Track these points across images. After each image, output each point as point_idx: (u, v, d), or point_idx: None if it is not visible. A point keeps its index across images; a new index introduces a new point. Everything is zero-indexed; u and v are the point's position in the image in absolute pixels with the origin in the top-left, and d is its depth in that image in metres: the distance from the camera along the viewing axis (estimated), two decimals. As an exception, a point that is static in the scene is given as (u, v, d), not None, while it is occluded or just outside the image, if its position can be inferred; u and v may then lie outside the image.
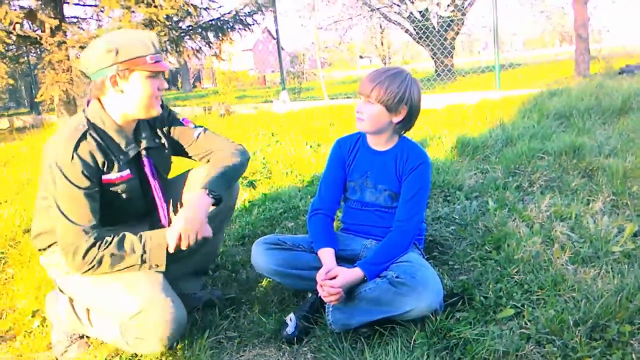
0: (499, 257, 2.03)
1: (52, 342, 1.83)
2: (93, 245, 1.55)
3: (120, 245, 1.59)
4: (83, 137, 1.60)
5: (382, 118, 1.78)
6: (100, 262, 1.57)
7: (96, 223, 1.60)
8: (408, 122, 1.84)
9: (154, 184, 1.82)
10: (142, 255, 1.59)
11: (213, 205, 1.73)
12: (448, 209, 2.62)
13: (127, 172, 1.71)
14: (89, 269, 1.58)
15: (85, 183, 1.57)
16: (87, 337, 1.83)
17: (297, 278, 1.85)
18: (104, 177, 1.65)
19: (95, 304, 1.70)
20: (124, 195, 1.72)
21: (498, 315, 1.68)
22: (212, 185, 1.72)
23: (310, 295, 1.91)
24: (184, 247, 1.62)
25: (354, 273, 1.69)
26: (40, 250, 1.77)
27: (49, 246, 1.74)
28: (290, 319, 1.78)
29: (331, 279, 1.68)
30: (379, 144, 1.90)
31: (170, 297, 1.60)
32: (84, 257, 1.55)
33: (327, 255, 1.80)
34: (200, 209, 1.66)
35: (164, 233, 1.64)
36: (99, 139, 1.64)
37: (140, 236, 1.62)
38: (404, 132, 1.91)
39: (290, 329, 1.75)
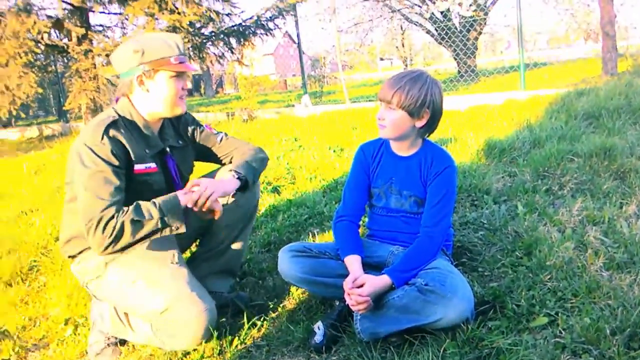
0: (530, 264, 1.99)
1: (89, 342, 1.87)
2: (112, 217, 1.57)
3: (138, 211, 1.60)
4: (113, 124, 1.67)
5: (405, 123, 1.76)
6: (121, 232, 1.56)
7: (120, 199, 1.62)
8: (431, 125, 1.81)
9: (177, 181, 1.87)
10: (160, 219, 1.60)
11: (239, 189, 1.83)
12: (476, 214, 2.58)
13: (153, 165, 1.77)
14: (111, 243, 1.56)
15: (114, 161, 1.62)
16: (122, 344, 1.86)
17: (324, 286, 1.85)
18: (136, 166, 1.71)
19: (126, 305, 1.74)
20: (152, 187, 1.77)
21: (531, 324, 1.65)
22: (238, 168, 1.84)
23: (337, 303, 1.90)
24: (195, 206, 1.66)
25: (382, 280, 1.68)
26: (70, 257, 1.81)
27: (80, 253, 1.77)
28: (319, 328, 1.77)
29: (359, 287, 1.67)
30: (403, 149, 1.88)
31: (197, 292, 1.63)
32: (104, 229, 1.55)
33: (353, 262, 1.79)
34: (223, 182, 1.77)
35: (177, 194, 1.68)
36: (127, 129, 1.71)
37: (154, 202, 1.64)
38: (428, 136, 1.88)
39: (318, 338, 1.74)
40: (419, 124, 1.77)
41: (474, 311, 1.67)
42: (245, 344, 1.80)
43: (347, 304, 1.68)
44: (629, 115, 4.09)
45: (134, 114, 1.75)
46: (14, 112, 7.89)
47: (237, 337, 1.82)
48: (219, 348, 1.76)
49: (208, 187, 1.70)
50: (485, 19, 12.14)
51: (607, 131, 3.72)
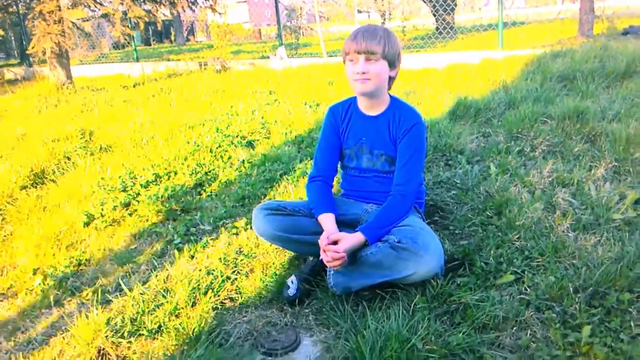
0: (500, 223, 2.03)
1: None
2: None
3: None
4: None
5: (385, 74, 1.77)
6: None
7: None
8: (396, 74, 1.84)
9: None
10: None
11: None
12: (449, 173, 2.60)
13: None
14: None
15: None
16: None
17: (298, 243, 1.86)
18: None
19: None
20: None
21: (498, 281, 1.70)
22: None
23: (311, 258, 1.92)
24: None
25: (356, 238, 1.69)
26: None
27: None
28: (292, 281, 1.79)
29: (334, 243, 1.68)
30: (373, 106, 1.86)
31: None
32: None
33: (327, 220, 1.79)
34: None
35: None
36: None
37: None
38: (389, 89, 1.88)
39: (291, 291, 1.77)
40: (393, 73, 1.79)
41: (444, 267, 1.71)
42: (218, 296, 1.81)
43: (321, 259, 1.69)
44: (602, 78, 4.14)
45: None
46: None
47: (210, 290, 1.82)
48: (192, 300, 1.77)
49: None
50: (466, -26, 11.90)
51: (581, 94, 3.77)
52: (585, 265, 1.68)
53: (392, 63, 1.76)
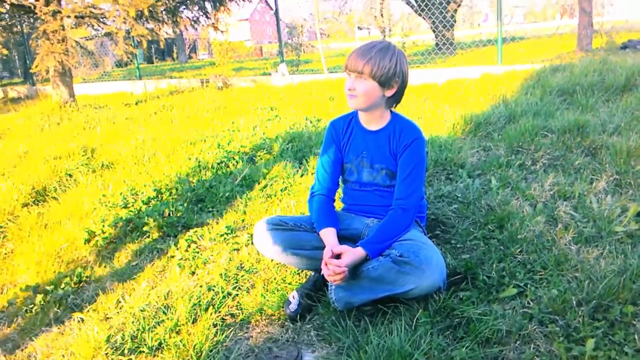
0: (502, 237, 2.03)
1: None
2: None
3: None
4: None
5: (375, 93, 1.76)
6: None
7: None
8: (399, 95, 1.82)
9: None
10: None
11: None
12: (450, 187, 2.60)
13: None
14: None
15: None
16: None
17: (300, 258, 1.85)
18: None
19: None
20: None
21: (501, 295, 1.69)
22: None
23: (312, 273, 1.91)
24: None
25: (357, 252, 1.69)
26: None
27: None
28: (293, 297, 1.78)
29: (337, 257, 1.67)
30: (372, 121, 1.87)
31: None
32: None
33: (329, 235, 1.79)
34: None
35: None
36: None
37: None
38: (395, 107, 1.88)
39: (293, 307, 1.75)
40: (389, 93, 1.77)
41: (446, 282, 1.70)
42: (219, 312, 1.80)
43: (322, 274, 1.69)
44: (602, 92, 4.16)
45: None
46: (-23, 73, 7.53)
47: (211, 306, 1.81)
48: (193, 316, 1.76)
49: None
50: (464, -9, 12.05)
51: (581, 108, 3.78)
52: (588, 278, 1.67)
53: (385, 84, 1.74)
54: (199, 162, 3.46)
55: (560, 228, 2.03)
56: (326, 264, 1.64)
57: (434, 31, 11.62)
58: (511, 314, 1.58)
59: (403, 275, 1.61)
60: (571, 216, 2.15)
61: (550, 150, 2.95)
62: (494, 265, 1.83)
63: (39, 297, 2.03)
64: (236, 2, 8.49)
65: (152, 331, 1.69)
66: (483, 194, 2.48)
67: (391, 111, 1.89)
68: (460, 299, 1.68)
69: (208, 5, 8.35)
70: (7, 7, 7.08)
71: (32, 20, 8.34)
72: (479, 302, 1.66)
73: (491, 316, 1.55)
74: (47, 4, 6.91)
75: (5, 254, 2.51)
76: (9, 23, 8.67)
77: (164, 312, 1.79)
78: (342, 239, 1.82)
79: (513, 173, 2.68)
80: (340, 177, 2.00)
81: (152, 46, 22.22)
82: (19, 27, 9.95)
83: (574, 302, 1.55)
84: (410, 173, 1.80)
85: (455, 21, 12.77)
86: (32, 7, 7.01)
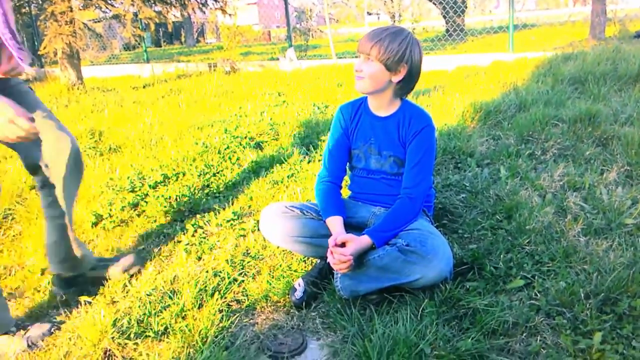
0: (510, 227, 2.01)
1: None
2: None
3: None
4: None
5: (382, 77, 1.73)
6: None
7: None
8: (408, 82, 1.78)
9: None
10: None
11: None
12: (458, 176, 2.58)
13: None
14: None
15: None
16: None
17: (306, 245, 1.85)
18: None
19: None
20: None
21: (508, 286, 1.68)
22: None
23: (318, 261, 1.91)
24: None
25: (363, 240, 1.68)
26: None
27: None
28: (299, 284, 1.78)
29: (341, 246, 1.67)
30: (381, 107, 1.85)
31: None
32: None
33: (335, 223, 1.78)
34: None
35: None
36: None
37: None
38: (405, 95, 1.85)
39: (298, 294, 1.75)
40: (396, 78, 1.74)
41: (453, 272, 1.69)
42: (225, 298, 1.80)
43: (328, 262, 1.68)
44: (614, 81, 4.09)
45: None
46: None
47: (217, 292, 1.82)
48: (199, 302, 1.76)
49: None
50: (476, -24, 11.86)
51: (593, 97, 3.73)
52: (596, 271, 1.65)
53: (391, 67, 1.71)
54: (206, 146, 3.46)
55: (570, 219, 2.01)
56: (332, 252, 1.64)
57: (444, 17, 11.47)
58: (518, 305, 1.57)
59: (409, 264, 1.61)
60: (581, 207, 2.13)
61: (561, 140, 2.92)
62: (502, 256, 1.81)
63: (47, 279, 2.05)
64: (245, -15, 8.40)
65: (158, 316, 1.70)
66: (492, 183, 2.46)
67: (402, 98, 1.86)
68: (466, 289, 1.67)
69: (216, -12, 8.29)
70: (16, -12, 7.06)
71: (40, 2, 8.32)
72: (485, 292, 1.65)
73: (498, 307, 1.54)
74: (55, -15, 6.87)
75: (14, 236, 2.53)
76: (18, 4, 8.65)
77: (170, 297, 1.80)
78: (349, 227, 1.81)
79: (522, 163, 2.65)
80: (348, 163, 1.99)
81: (160, 29, 22.11)
82: (27, 8, 9.93)
83: (582, 295, 1.54)
84: (419, 161, 1.78)
85: (466, 7, 12.60)
86: (41, -12, 6.99)
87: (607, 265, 1.67)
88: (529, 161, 2.69)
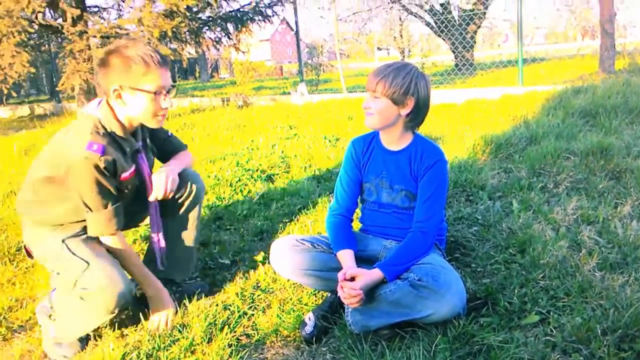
0: (523, 261, 1.98)
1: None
2: None
3: None
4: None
5: (390, 111, 1.75)
6: None
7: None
8: (417, 115, 1.80)
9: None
10: None
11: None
12: (470, 209, 2.57)
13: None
14: None
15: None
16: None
17: (317, 279, 1.84)
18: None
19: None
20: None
21: (523, 322, 1.64)
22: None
23: (329, 294, 1.89)
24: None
25: (374, 274, 1.66)
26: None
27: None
28: (309, 318, 1.76)
29: (350, 280, 1.65)
30: (393, 142, 1.86)
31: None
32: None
33: (346, 257, 1.77)
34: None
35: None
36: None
37: None
38: (416, 128, 1.87)
39: (309, 329, 1.73)
40: (404, 111, 1.76)
41: (466, 307, 1.66)
42: (235, 332, 1.79)
43: (339, 296, 1.67)
44: (625, 114, 4.09)
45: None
46: (6, 91, 7.76)
47: (227, 326, 1.80)
48: (208, 336, 1.74)
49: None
50: (485, 12, 12.10)
51: (604, 130, 3.72)
52: (613, 306, 1.61)
53: (398, 101, 1.73)
54: (218, 179, 3.49)
55: (584, 254, 1.98)
56: (342, 287, 1.63)
57: (453, 52, 11.63)
58: (533, 342, 1.53)
59: (421, 299, 1.58)
60: (595, 241, 2.10)
61: (573, 173, 2.90)
62: (516, 291, 1.78)
63: (57, 312, 2.04)
64: (258, 23, 8.64)
65: (167, 350, 1.69)
66: (504, 216, 2.44)
67: (414, 132, 1.88)
68: (480, 325, 1.64)
69: (230, 27, 8.51)
70: (36, 27, 7.31)
71: (59, 40, 8.60)
72: (499, 328, 1.62)
73: (512, 344, 1.51)
74: (74, 24, 7.12)
75: (26, 268, 2.54)
76: (37, 42, 8.95)
77: (179, 331, 1.79)
78: (360, 260, 1.80)
79: (535, 196, 2.63)
80: (359, 196, 1.99)
81: (175, 65, 22.65)
82: (46, 46, 10.26)
83: (599, 331, 1.50)
84: (431, 196, 1.78)
85: (475, 42, 12.79)
86: (60, 27, 7.24)
87: (624, 300, 1.63)
88: (541, 194, 2.67)
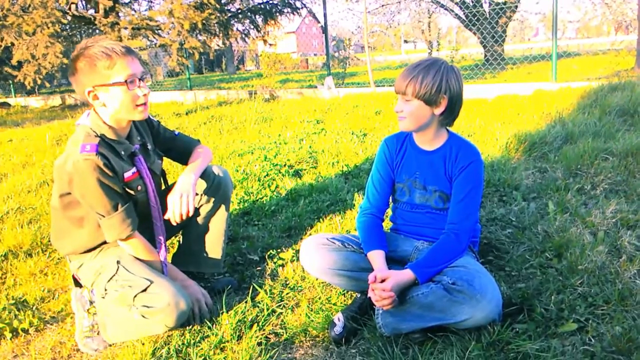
0: (560, 266, 1.92)
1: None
2: None
3: None
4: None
5: (423, 113, 1.70)
6: None
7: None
8: (451, 112, 1.73)
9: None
10: None
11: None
12: (504, 210, 2.50)
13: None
14: None
15: None
16: None
17: (346, 278, 1.81)
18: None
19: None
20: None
21: (560, 329, 1.59)
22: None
23: (358, 295, 1.86)
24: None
25: (405, 275, 1.63)
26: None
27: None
28: (339, 319, 1.74)
29: (382, 282, 1.62)
30: (427, 141, 1.81)
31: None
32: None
33: (377, 258, 1.74)
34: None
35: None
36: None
37: None
38: (450, 125, 1.81)
39: (338, 329, 1.71)
40: (438, 111, 1.70)
41: (502, 313, 1.61)
42: (264, 330, 1.78)
43: (369, 297, 1.64)
44: (666, 113, 3.94)
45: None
46: (39, 81, 7.93)
47: (256, 324, 1.80)
48: (237, 333, 1.74)
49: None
50: (516, 5, 11.81)
51: (644, 130, 3.59)
52: (656, 317, 1.55)
53: (430, 101, 1.68)
54: (247, 174, 3.49)
55: (624, 260, 1.91)
56: (372, 289, 1.60)
57: (483, 45, 11.40)
58: (571, 350, 1.48)
59: (455, 304, 1.54)
60: (636, 247, 2.02)
61: (612, 174, 2.80)
62: (552, 297, 1.73)
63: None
64: (286, 16, 8.62)
65: (197, 346, 1.69)
66: (539, 218, 2.37)
67: (448, 131, 1.83)
68: (516, 332, 1.59)
69: (259, 19, 8.51)
70: (69, 18, 7.43)
71: (91, 31, 8.72)
72: (536, 336, 1.57)
73: (550, 352, 1.46)
74: (106, 15, 7.21)
75: (58, 259, 2.58)
76: (70, 33, 9.10)
77: (209, 328, 1.79)
78: (391, 260, 1.77)
79: (571, 197, 2.55)
80: (391, 196, 1.95)
81: (202, 57, 22.85)
82: (78, 37, 10.44)
83: (641, 342, 1.44)
84: (465, 196, 1.73)
85: (505, 35, 12.52)
86: (92, 18, 7.35)
87: (668, 311, 1.57)
88: (578, 196, 2.59)
